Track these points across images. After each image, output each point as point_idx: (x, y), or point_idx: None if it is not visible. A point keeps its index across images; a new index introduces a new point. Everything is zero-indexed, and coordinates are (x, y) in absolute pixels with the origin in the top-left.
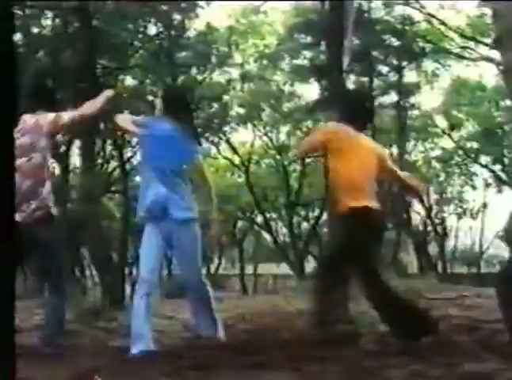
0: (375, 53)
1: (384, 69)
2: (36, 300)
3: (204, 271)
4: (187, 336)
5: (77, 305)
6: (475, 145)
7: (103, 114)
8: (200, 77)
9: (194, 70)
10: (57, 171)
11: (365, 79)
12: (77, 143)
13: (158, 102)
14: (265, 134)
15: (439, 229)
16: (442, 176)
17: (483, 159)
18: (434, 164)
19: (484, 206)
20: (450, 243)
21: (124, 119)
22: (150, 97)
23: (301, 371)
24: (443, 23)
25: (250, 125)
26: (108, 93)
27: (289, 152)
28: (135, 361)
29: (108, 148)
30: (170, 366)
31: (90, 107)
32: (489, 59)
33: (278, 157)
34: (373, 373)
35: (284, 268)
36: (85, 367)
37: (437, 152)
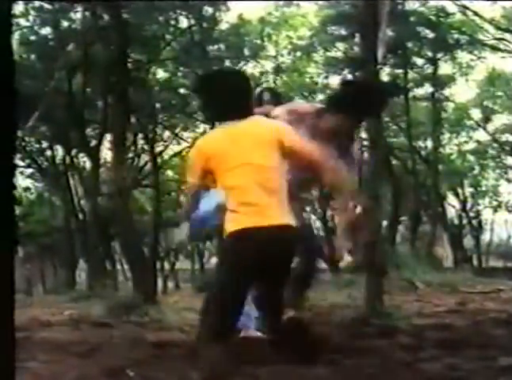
0: (409, 45)
1: (419, 61)
2: (67, 294)
3: None
4: None
5: (109, 299)
6: (510, 138)
7: None
8: None
9: (227, 63)
10: (88, 165)
11: (400, 71)
12: (108, 137)
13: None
14: None
15: (474, 222)
16: (477, 169)
17: None
18: (469, 157)
19: None
20: (486, 236)
21: None
22: (182, 90)
23: (336, 365)
24: (478, 14)
25: None
26: None
27: None
28: (167, 355)
29: (140, 142)
30: None
31: None
32: None
33: None
34: (408, 366)
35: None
36: (118, 361)
37: (472, 145)
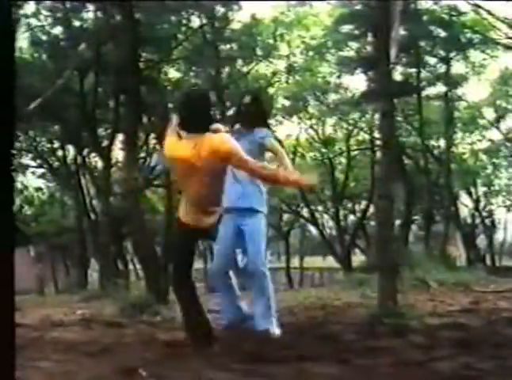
0: (422, 44)
1: (432, 60)
2: (79, 294)
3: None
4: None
5: (121, 298)
6: None
7: None
8: (245, 70)
9: (239, 62)
10: (99, 165)
11: (413, 70)
12: (120, 137)
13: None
14: (311, 126)
15: (487, 221)
16: (490, 169)
17: None
18: (482, 156)
19: None
20: (499, 236)
21: None
22: None
23: (349, 364)
24: (490, 13)
25: (295, 118)
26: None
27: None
28: (180, 354)
29: (152, 142)
30: (216, 360)
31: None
32: None
33: (324, 150)
34: (422, 365)
35: (330, 261)
36: (130, 361)
37: (485, 144)
